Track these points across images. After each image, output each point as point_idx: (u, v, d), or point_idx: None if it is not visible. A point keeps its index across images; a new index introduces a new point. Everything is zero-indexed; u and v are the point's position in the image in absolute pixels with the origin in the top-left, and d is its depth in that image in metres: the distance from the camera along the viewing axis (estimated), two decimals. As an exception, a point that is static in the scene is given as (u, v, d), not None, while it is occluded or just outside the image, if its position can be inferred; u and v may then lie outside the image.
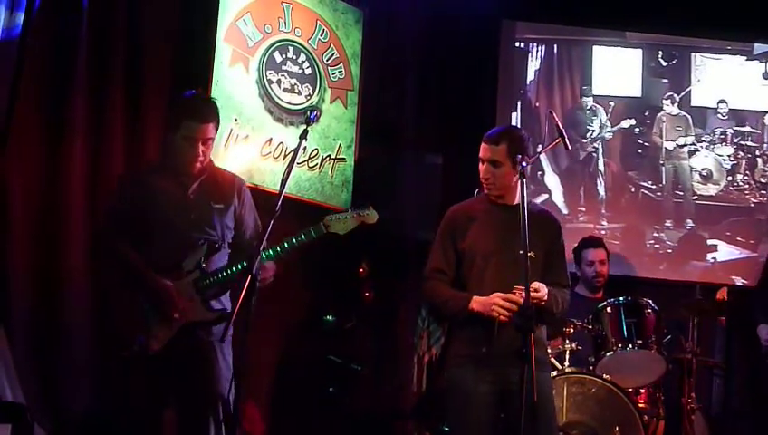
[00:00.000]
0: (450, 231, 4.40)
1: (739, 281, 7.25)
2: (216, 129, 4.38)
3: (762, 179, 7.52)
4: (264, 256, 4.17)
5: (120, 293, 4.32)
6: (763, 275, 6.38)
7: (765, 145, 7.58)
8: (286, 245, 4.25)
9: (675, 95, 7.61)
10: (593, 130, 7.57)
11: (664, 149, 7.57)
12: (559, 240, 4.47)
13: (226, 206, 4.40)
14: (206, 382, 4.20)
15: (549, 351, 5.00)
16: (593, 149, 7.55)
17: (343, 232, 4.36)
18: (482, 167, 4.34)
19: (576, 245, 6.49)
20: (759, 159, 7.55)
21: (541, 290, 4.11)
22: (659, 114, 7.60)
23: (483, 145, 4.35)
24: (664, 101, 7.61)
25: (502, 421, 4.20)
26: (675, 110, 7.60)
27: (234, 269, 4.23)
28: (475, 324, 4.17)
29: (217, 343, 4.25)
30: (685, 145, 7.57)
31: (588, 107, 7.60)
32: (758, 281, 6.33)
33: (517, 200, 4.30)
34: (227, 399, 4.21)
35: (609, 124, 7.58)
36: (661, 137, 7.58)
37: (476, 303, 4.14)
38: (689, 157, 7.57)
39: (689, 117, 7.60)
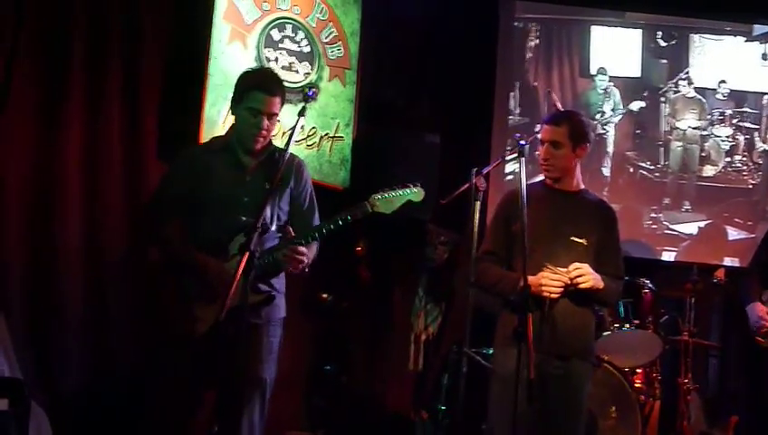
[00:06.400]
0: (504, 214, 4.42)
1: (736, 262, 7.25)
2: (281, 106, 4.28)
3: (759, 160, 7.51)
4: (306, 238, 4.17)
5: (166, 277, 4.28)
6: (755, 255, 6.36)
7: (764, 126, 7.57)
8: (331, 225, 4.20)
9: (691, 77, 7.57)
10: (603, 112, 7.53)
11: (675, 131, 7.54)
12: (614, 230, 4.47)
13: (282, 188, 4.30)
14: (249, 365, 4.14)
15: None
16: (603, 132, 7.51)
17: (390, 211, 4.29)
18: (542, 148, 4.34)
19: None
20: (757, 140, 7.53)
21: (583, 270, 4.12)
22: (673, 95, 7.57)
23: (544, 127, 4.41)
24: (679, 82, 7.57)
25: (539, 406, 4.12)
26: (690, 91, 7.56)
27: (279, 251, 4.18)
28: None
29: (265, 325, 4.24)
30: (698, 128, 7.54)
31: (602, 87, 7.55)
32: (750, 261, 6.32)
33: (575, 187, 4.34)
34: (267, 380, 4.24)
35: (621, 106, 7.54)
36: (674, 117, 7.55)
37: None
38: (702, 141, 7.54)
39: (704, 100, 7.56)
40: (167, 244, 4.29)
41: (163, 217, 4.30)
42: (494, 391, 4.31)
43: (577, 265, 4.11)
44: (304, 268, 4.24)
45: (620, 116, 7.53)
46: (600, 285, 4.17)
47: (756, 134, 7.52)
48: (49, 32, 5.08)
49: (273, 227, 4.29)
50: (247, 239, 3.73)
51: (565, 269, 4.12)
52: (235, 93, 4.30)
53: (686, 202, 7.47)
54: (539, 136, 4.45)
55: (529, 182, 4.40)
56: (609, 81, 7.54)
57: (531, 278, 4.09)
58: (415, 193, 4.36)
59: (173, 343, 4.21)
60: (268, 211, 4.21)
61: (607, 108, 7.53)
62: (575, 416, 4.28)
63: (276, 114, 4.27)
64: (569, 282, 4.11)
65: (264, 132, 4.22)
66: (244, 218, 4.17)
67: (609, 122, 7.52)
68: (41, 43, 5.03)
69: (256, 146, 4.26)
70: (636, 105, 7.53)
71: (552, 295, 4.11)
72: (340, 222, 4.19)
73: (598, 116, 7.49)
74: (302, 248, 4.18)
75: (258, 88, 4.20)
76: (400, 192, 4.32)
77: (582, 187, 4.49)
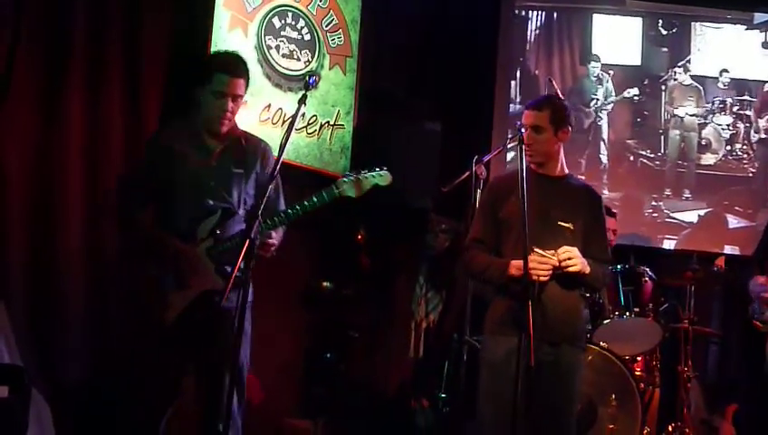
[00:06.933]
0: (491, 201, 4.39)
1: (736, 250, 7.26)
2: (246, 88, 4.32)
3: (758, 149, 7.51)
4: (274, 221, 4.18)
5: (142, 262, 4.28)
6: (759, 245, 6.36)
7: (754, 115, 7.57)
8: (298, 208, 4.20)
9: (687, 64, 7.56)
10: (597, 99, 7.53)
11: (673, 119, 7.54)
12: (599, 214, 4.44)
13: (248, 172, 4.32)
14: (223, 350, 4.09)
15: None
16: (598, 118, 7.51)
17: (356, 195, 4.31)
18: (524, 134, 4.33)
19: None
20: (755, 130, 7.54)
21: (572, 253, 4.11)
22: (671, 83, 7.57)
23: (525, 112, 4.37)
24: (676, 70, 7.57)
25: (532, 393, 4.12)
26: (687, 79, 7.56)
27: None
28: (514, 292, 4.12)
29: (234, 309, 4.24)
30: (695, 115, 7.54)
31: (594, 75, 7.56)
32: (754, 251, 6.32)
33: (560, 171, 4.34)
34: (243, 365, 4.26)
35: (613, 93, 7.53)
36: (671, 105, 7.55)
37: (514, 267, 4.10)
38: (699, 128, 7.54)
39: (701, 88, 7.56)
40: (140, 229, 4.30)
41: (136, 202, 4.32)
42: (483, 377, 4.31)
43: (566, 248, 4.10)
44: (272, 252, 4.26)
45: (613, 103, 7.52)
46: (587, 269, 4.16)
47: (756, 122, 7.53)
48: (50, 21, 5.06)
49: (241, 211, 4.31)
50: (247, 227, 3.74)
51: (552, 252, 4.11)
52: (201, 77, 4.31)
53: (686, 190, 7.47)
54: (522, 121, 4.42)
55: (514, 169, 4.41)
56: (602, 68, 7.55)
57: (517, 262, 4.08)
58: (381, 177, 4.39)
59: (149, 330, 4.23)
60: (235, 195, 4.27)
61: (600, 95, 7.53)
62: (567, 402, 4.27)
63: (241, 96, 4.30)
64: (557, 264, 4.10)
65: (228, 114, 4.26)
66: (211, 202, 4.22)
67: (602, 109, 7.51)
68: (42, 34, 5.02)
69: (222, 129, 4.29)
70: (629, 92, 7.53)
71: (541, 279, 4.10)
72: (308, 205, 4.21)
73: (592, 103, 7.49)
74: (271, 232, 4.20)
75: (222, 70, 4.23)
76: (366, 175, 4.35)
77: (567, 171, 4.48)
